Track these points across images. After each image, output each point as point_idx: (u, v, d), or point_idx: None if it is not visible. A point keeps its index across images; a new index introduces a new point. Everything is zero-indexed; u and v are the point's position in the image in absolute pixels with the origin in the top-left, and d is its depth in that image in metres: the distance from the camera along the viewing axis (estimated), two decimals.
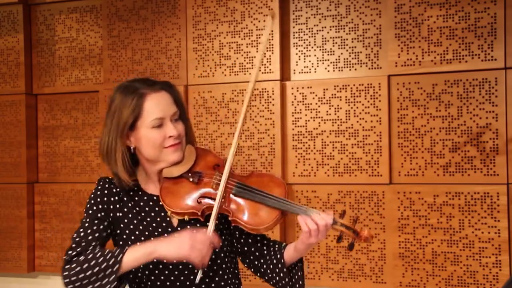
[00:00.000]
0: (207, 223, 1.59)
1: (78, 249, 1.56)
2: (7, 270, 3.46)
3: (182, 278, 1.62)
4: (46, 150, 3.45)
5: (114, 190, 1.66)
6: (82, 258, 1.52)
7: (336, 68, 2.87)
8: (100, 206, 1.63)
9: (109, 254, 1.51)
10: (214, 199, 1.60)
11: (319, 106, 2.87)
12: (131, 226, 1.63)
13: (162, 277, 1.62)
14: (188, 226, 1.62)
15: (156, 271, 1.63)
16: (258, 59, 1.73)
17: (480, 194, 2.60)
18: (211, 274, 1.65)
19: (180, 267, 1.62)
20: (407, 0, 2.72)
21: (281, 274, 1.67)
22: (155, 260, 1.57)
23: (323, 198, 2.85)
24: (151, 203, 1.67)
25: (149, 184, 1.69)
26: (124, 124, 1.60)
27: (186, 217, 1.61)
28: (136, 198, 1.67)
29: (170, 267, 1.62)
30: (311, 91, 2.88)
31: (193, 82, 3.07)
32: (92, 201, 1.64)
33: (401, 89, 2.73)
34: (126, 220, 1.64)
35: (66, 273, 1.52)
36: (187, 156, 1.67)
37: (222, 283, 1.67)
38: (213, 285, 1.65)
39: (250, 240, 1.73)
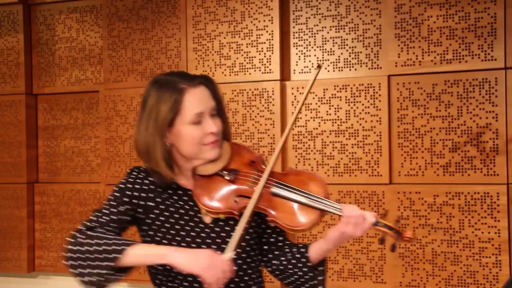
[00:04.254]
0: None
1: (93, 224, 1.52)
2: (7, 270, 3.46)
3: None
4: (46, 150, 3.45)
5: (147, 180, 1.61)
6: (90, 232, 1.49)
7: (336, 68, 2.87)
8: (128, 192, 1.58)
9: (114, 241, 1.46)
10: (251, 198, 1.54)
11: (319, 106, 2.87)
12: (162, 218, 1.58)
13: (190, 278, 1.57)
14: (221, 223, 1.57)
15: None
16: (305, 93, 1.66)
17: (480, 194, 2.60)
18: (236, 280, 1.58)
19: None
20: (407, 0, 2.72)
21: (304, 269, 1.60)
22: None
23: None
24: (185, 198, 1.62)
25: (182, 178, 1.64)
26: (163, 121, 1.54)
27: (221, 216, 1.55)
28: (170, 191, 1.61)
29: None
30: (311, 91, 2.87)
31: None
32: (122, 186, 1.60)
33: (401, 89, 2.73)
34: (157, 211, 1.58)
35: (72, 240, 1.50)
36: (222, 153, 1.62)
37: None
38: None
39: (273, 239, 1.68)
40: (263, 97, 2.94)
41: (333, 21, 2.88)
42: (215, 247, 1.55)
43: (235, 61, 3.00)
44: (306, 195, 1.55)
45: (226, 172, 1.59)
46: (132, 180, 1.61)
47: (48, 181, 3.44)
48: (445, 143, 2.67)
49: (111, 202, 1.58)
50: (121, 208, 1.57)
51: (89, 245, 1.46)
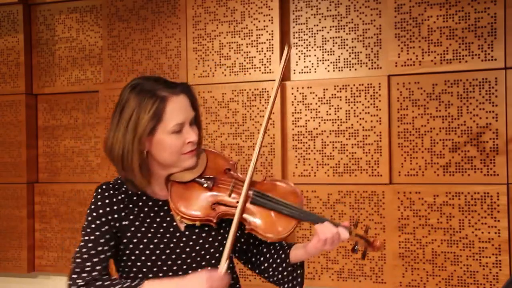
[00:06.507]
0: (222, 226, 1.60)
1: (84, 275, 1.47)
2: (7, 270, 3.46)
3: None
4: (46, 150, 3.45)
5: (116, 199, 1.57)
6: None
7: (336, 68, 2.87)
8: (103, 219, 1.52)
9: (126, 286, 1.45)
10: (229, 206, 1.57)
11: (319, 106, 2.87)
12: (139, 234, 1.55)
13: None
14: (196, 230, 1.59)
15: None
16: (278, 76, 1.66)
17: (480, 194, 2.60)
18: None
19: None
20: (407, 0, 2.72)
21: (285, 272, 1.67)
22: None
23: (323, 198, 2.84)
24: (156, 208, 1.60)
25: (154, 186, 1.62)
26: (144, 130, 1.50)
27: (197, 223, 1.57)
28: (140, 204, 1.59)
29: None
30: (311, 91, 2.88)
31: (193, 82, 3.07)
32: (94, 214, 1.53)
33: (401, 89, 2.73)
34: (133, 228, 1.55)
35: None
36: (199, 161, 1.62)
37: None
38: None
39: (255, 242, 1.74)
40: (263, 97, 2.94)
41: (333, 21, 2.88)
42: (193, 254, 1.57)
43: (235, 61, 3.00)
44: (284, 205, 1.59)
45: (204, 180, 1.60)
46: (100, 203, 1.55)
47: (48, 181, 3.44)
48: (445, 143, 2.67)
49: (90, 243, 1.51)
50: (102, 244, 1.51)
51: None
